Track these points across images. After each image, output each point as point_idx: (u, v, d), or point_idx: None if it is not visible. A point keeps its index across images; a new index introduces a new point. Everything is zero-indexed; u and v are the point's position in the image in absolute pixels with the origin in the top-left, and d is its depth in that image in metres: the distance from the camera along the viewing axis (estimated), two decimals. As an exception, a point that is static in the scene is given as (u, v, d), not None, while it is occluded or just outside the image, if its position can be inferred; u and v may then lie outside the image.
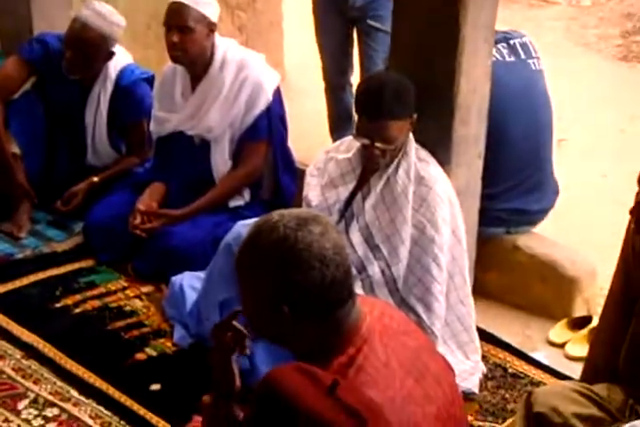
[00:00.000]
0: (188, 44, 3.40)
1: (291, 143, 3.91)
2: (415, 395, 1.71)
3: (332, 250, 1.67)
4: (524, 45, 3.58)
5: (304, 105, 5.58)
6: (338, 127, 4.74)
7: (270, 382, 1.59)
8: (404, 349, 1.77)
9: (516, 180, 3.47)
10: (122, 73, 3.87)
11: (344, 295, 1.71)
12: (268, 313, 1.70)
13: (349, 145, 3.08)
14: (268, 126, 3.61)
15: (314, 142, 4.87)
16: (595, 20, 7.60)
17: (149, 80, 3.91)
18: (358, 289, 2.89)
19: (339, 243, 1.70)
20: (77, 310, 3.33)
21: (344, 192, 3.01)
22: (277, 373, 1.61)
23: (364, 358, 1.69)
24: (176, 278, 3.22)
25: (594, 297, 3.41)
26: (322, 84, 4.85)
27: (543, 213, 3.60)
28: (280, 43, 6.00)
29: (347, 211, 3.00)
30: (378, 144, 2.86)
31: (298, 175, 3.64)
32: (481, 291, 3.38)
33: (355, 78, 4.63)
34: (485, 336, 3.20)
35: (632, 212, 2.39)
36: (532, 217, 3.56)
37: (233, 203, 3.62)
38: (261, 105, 3.55)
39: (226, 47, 3.56)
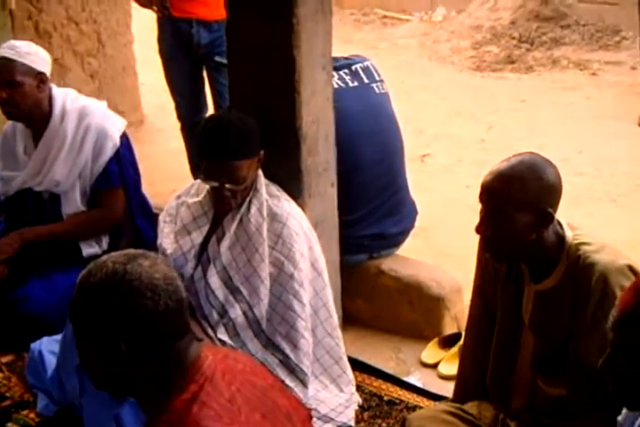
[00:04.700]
0: (18, 99, 3.31)
1: (155, 186, 3.85)
2: None
3: (163, 280, 1.70)
4: (366, 70, 3.61)
5: (167, 146, 5.54)
6: (199, 166, 4.68)
7: None
8: (250, 387, 1.79)
9: (373, 204, 3.48)
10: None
11: (179, 327, 1.73)
12: (106, 356, 1.70)
13: (199, 188, 3.04)
14: (120, 172, 3.53)
15: (179, 183, 4.81)
16: (446, 34, 7.78)
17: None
18: (221, 334, 2.85)
19: (169, 274, 1.74)
20: None
21: (198, 237, 2.96)
22: None
23: (206, 394, 1.70)
24: (34, 344, 3.11)
25: (462, 313, 3.43)
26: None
27: (404, 234, 3.62)
28: (135, 86, 5.96)
29: (203, 256, 2.95)
30: (227, 186, 2.83)
31: (155, 220, 3.58)
32: (351, 319, 3.38)
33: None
34: (359, 366, 3.19)
35: (477, 229, 2.41)
36: (393, 240, 3.57)
37: (87, 250, 3.52)
38: (109, 151, 3.47)
39: (64, 97, 3.48)
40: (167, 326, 1.69)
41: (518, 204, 2.30)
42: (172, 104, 4.81)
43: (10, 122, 3.51)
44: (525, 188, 2.29)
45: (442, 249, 4.21)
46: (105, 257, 1.76)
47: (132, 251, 1.78)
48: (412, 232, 3.72)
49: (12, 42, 3.41)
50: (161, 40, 4.61)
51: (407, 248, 3.75)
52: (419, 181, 4.56)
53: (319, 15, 3.05)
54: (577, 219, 4.00)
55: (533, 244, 2.35)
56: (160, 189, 4.47)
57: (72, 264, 3.42)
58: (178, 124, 4.85)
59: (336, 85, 3.37)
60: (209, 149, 2.84)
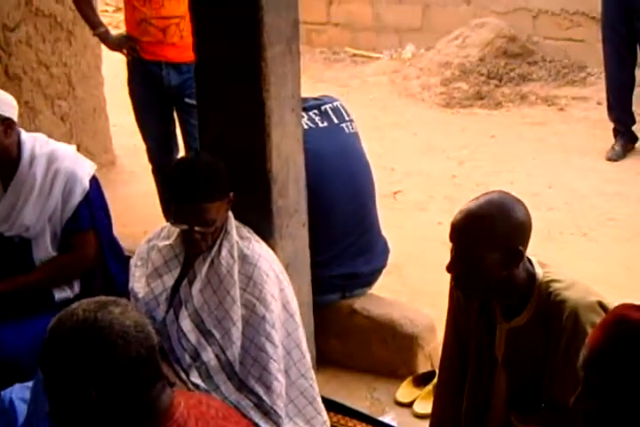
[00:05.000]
0: None
1: (127, 227, 3.84)
2: None
3: (134, 328, 1.71)
4: (335, 110, 3.63)
5: (138, 187, 5.53)
6: (169, 208, 4.68)
7: None
8: None
9: (344, 244, 3.49)
10: None
11: (151, 374, 1.73)
12: (77, 404, 1.70)
13: (170, 231, 3.04)
14: (90, 215, 3.52)
15: (150, 225, 4.80)
16: (416, 71, 7.83)
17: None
18: (194, 378, 2.83)
19: (140, 321, 1.74)
20: None
21: (169, 280, 2.96)
22: None
23: None
24: (5, 392, 3.05)
25: (436, 351, 3.43)
26: (152, 166, 4.81)
27: (376, 273, 3.62)
28: (106, 128, 5.96)
29: (174, 299, 2.94)
30: (197, 228, 2.83)
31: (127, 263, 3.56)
32: (324, 359, 3.37)
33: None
34: (333, 406, 3.17)
35: (448, 268, 2.43)
36: (365, 279, 3.58)
37: (59, 295, 3.49)
38: (78, 195, 3.45)
39: (33, 142, 3.45)
40: (138, 373, 1.69)
41: (488, 242, 2.32)
42: (143, 146, 4.81)
43: (-22, 167, 3.49)
44: (495, 226, 2.32)
45: (415, 286, 4.21)
46: (75, 304, 1.76)
47: (102, 298, 1.79)
48: (385, 270, 3.73)
49: None
50: (131, 82, 4.62)
51: (381, 286, 3.75)
52: (391, 218, 4.57)
53: (287, 57, 3.08)
54: (548, 253, 4.06)
55: (504, 282, 2.37)
56: (132, 231, 4.46)
57: (44, 309, 3.40)
58: (149, 166, 4.85)
59: (306, 126, 3.39)
60: (177, 192, 2.85)
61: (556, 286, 2.35)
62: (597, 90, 6.82)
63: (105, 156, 5.82)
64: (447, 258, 2.43)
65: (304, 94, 3.26)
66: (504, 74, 7.44)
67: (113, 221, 3.64)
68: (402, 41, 8.63)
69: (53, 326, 1.73)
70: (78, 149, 3.68)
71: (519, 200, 2.40)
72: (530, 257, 2.42)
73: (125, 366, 1.68)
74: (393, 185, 5.55)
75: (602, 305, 2.30)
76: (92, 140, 5.72)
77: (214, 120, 3.15)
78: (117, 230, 3.73)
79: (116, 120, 6.09)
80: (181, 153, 4.66)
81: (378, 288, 3.73)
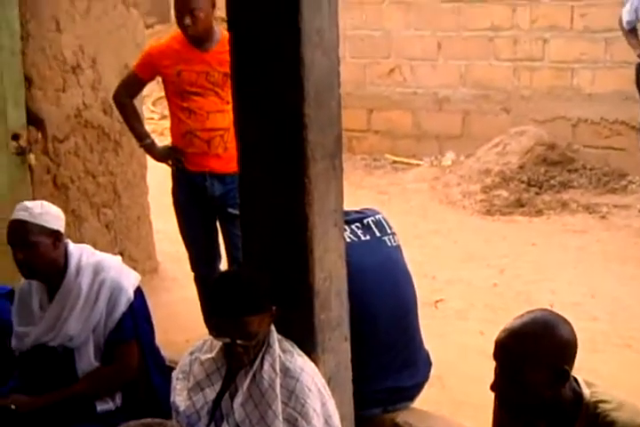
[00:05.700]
0: (34, 259, 3.36)
1: (168, 334, 3.84)
2: None
3: None
4: (378, 223, 3.66)
5: (181, 294, 5.56)
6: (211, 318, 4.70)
7: None
8: None
9: (387, 358, 3.46)
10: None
11: None
12: None
13: (213, 344, 3.04)
14: (134, 326, 3.55)
15: (192, 333, 4.82)
16: (456, 178, 7.91)
17: (9, 295, 3.81)
18: None
19: None
20: None
21: (211, 393, 2.95)
22: None
23: None
24: None
25: (481, 468, 3.37)
26: (195, 273, 4.85)
27: (418, 387, 3.59)
28: (150, 235, 6.04)
29: (216, 412, 2.93)
30: (239, 342, 2.84)
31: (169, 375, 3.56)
32: (367, 476, 3.32)
33: (223, 266, 4.66)
34: None
35: (492, 387, 2.41)
36: (408, 393, 3.54)
37: (101, 407, 3.49)
38: (123, 306, 3.49)
39: (79, 253, 3.52)
40: None
41: (533, 362, 2.31)
42: (185, 252, 4.87)
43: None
44: (539, 346, 2.31)
45: (458, 397, 4.16)
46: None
47: (148, 420, 1.81)
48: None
49: (26, 203, 3.47)
50: (175, 192, 4.71)
51: (423, 397, 3.71)
52: (432, 326, 4.55)
53: (331, 173, 3.11)
54: (593, 365, 4.01)
55: (550, 402, 2.34)
56: (173, 338, 4.47)
57: (86, 420, 3.41)
58: (191, 273, 4.89)
59: (348, 239, 3.41)
60: (219, 306, 2.87)
61: (604, 406, 2.32)
62: (639, 198, 6.84)
63: (148, 262, 5.89)
64: (489, 369, 2.41)
65: (345, 203, 3.29)
66: (544, 181, 7.49)
67: (155, 328, 3.66)
68: (442, 148, 8.74)
69: None
70: (122, 256, 3.75)
71: (564, 318, 2.39)
72: (576, 376, 2.40)
73: None
74: (434, 293, 5.54)
75: (652, 427, 2.26)
76: (136, 247, 5.80)
77: (257, 234, 3.18)
78: (159, 338, 3.75)
79: (160, 226, 6.18)
80: (224, 262, 4.70)
81: (419, 400, 3.69)
